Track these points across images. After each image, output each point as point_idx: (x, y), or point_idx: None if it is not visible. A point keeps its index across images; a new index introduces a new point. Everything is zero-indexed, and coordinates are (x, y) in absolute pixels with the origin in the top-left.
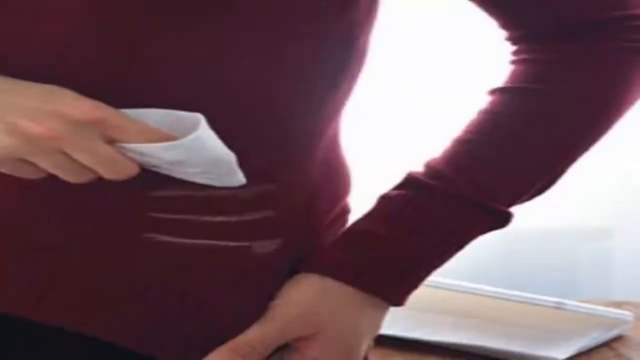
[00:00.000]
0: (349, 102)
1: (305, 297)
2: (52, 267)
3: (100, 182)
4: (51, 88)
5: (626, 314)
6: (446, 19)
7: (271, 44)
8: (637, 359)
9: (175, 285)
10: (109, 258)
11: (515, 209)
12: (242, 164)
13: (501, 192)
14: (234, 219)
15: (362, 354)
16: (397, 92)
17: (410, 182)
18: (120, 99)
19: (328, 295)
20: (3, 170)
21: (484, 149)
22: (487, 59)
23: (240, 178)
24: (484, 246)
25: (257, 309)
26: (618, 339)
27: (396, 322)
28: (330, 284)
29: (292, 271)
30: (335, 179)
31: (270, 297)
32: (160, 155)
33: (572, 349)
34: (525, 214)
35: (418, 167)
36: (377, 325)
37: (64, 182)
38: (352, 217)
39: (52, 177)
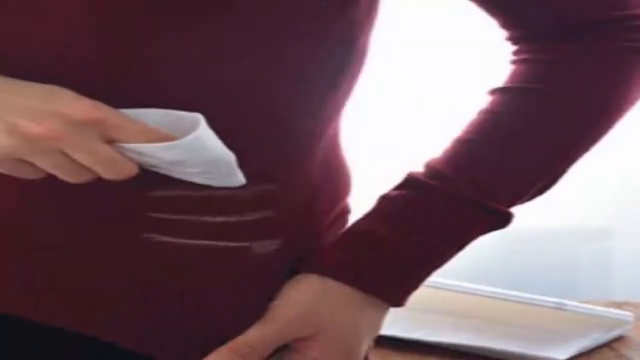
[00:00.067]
0: (349, 102)
1: (305, 298)
2: (52, 267)
3: (99, 182)
4: (51, 88)
5: (627, 314)
6: (446, 19)
7: (271, 44)
8: (637, 359)
9: (175, 285)
10: (108, 258)
11: (515, 209)
12: (242, 164)
13: (501, 192)
14: (233, 219)
15: (362, 354)
16: (397, 92)
17: (410, 182)
18: (120, 99)
19: (328, 296)
20: (2, 171)
21: (484, 149)
22: (487, 59)
23: (239, 178)
24: (484, 246)
25: (257, 309)
26: (619, 339)
27: (396, 322)
28: (330, 284)
29: (292, 271)
30: (335, 179)
31: (270, 298)
32: (160, 155)
33: (573, 349)
34: (526, 214)
35: (418, 167)
36: (377, 325)
37: (63, 182)
38: (352, 217)
39: (52, 177)
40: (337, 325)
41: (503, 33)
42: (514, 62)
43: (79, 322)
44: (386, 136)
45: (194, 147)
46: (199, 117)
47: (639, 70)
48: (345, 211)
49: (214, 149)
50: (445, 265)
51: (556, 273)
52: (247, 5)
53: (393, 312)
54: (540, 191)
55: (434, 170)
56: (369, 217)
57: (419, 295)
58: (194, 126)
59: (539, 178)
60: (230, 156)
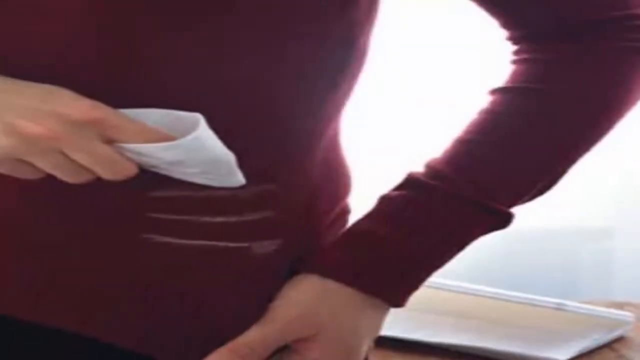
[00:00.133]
0: (349, 102)
1: (305, 298)
2: (51, 267)
3: (99, 183)
4: (50, 88)
5: (627, 315)
6: (446, 19)
7: (271, 44)
8: None
9: (175, 286)
10: (108, 258)
11: (516, 209)
12: (242, 164)
13: (502, 192)
14: (233, 219)
15: (363, 355)
16: (397, 92)
17: (410, 183)
18: (120, 99)
19: (328, 296)
20: (2, 171)
21: (484, 149)
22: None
23: (239, 178)
24: (484, 247)
25: (257, 310)
26: (619, 340)
27: (396, 323)
28: (330, 284)
29: (292, 272)
30: (335, 179)
31: (270, 298)
32: (159, 155)
33: (573, 350)
34: (526, 214)
35: (418, 168)
36: (378, 326)
37: (63, 182)
38: (353, 218)
39: (51, 178)
40: (337, 325)
41: (503, 33)
42: (514, 62)
43: (78, 322)
44: (386, 136)
45: (193, 147)
46: (199, 117)
47: (639, 70)
48: (345, 211)
49: (213, 149)
50: (445, 266)
51: (557, 273)
52: (247, 5)
53: (393, 312)
54: (541, 191)
55: (434, 171)
56: (369, 217)
57: (420, 296)
58: (193, 126)
59: (540, 178)
60: (230, 156)
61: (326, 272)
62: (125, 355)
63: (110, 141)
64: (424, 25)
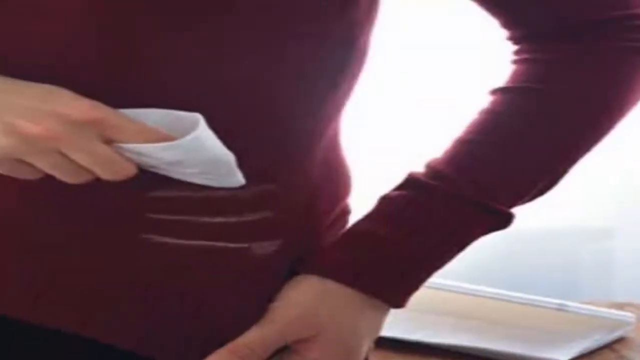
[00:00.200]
0: (349, 102)
1: (305, 299)
2: (51, 267)
3: (99, 183)
4: (50, 88)
5: (628, 315)
6: (446, 19)
7: (271, 44)
8: None
9: (175, 286)
10: (108, 258)
11: (516, 210)
12: (242, 164)
13: (502, 193)
14: (233, 219)
15: (363, 355)
16: (397, 92)
17: (411, 183)
18: (120, 99)
19: (328, 297)
20: (1, 171)
21: (485, 149)
22: (488, 59)
23: (239, 178)
24: (485, 247)
25: (256, 310)
26: (620, 340)
27: (397, 323)
28: (330, 285)
29: (292, 272)
30: (335, 179)
31: (270, 298)
32: (159, 155)
33: (574, 350)
34: (527, 215)
35: (419, 168)
36: (378, 326)
37: (63, 182)
38: (353, 218)
39: (51, 178)
40: (337, 326)
41: (504, 33)
42: (514, 62)
43: (78, 322)
44: (386, 136)
45: (193, 147)
46: (199, 117)
47: (639, 70)
48: (346, 211)
49: (213, 149)
50: (446, 266)
51: (557, 274)
52: (247, 5)
53: (393, 313)
54: (542, 191)
55: (434, 171)
56: (369, 217)
57: (420, 296)
58: (193, 126)
59: (540, 178)
60: (229, 156)
61: (326, 272)
62: (125, 356)
63: (109, 141)
64: (424, 25)
